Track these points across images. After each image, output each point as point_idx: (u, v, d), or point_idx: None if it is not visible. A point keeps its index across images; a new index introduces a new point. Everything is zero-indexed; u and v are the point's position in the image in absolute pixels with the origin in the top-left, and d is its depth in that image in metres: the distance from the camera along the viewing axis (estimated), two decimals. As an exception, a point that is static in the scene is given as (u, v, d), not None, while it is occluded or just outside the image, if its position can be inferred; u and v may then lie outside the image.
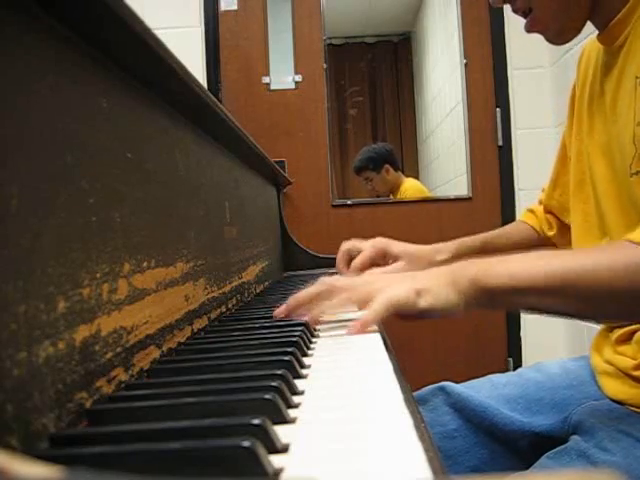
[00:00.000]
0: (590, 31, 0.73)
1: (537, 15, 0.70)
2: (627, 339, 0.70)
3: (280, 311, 0.68)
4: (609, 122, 0.69)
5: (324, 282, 0.67)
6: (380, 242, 0.88)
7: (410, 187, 2.50)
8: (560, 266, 0.57)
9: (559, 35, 0.72)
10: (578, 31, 0.71)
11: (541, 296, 0.58)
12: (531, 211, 0.98)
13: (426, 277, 0.62)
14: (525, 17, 0.72)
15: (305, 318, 0.65)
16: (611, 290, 0.54)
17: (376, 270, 0.87)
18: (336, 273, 0.94)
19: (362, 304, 0.62)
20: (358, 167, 2.55)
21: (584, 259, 0.57)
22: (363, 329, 0.60)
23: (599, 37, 0.71)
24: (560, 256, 0.62)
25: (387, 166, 2.52)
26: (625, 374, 0.69)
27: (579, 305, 0.58)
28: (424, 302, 0.58)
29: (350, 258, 0.88)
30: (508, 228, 1.03)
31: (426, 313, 0.59)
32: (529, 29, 0.72)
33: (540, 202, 0.98)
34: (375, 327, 0.63)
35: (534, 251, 0.63)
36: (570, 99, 0.84)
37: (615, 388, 0.71)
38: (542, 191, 0.98)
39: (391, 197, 2.51)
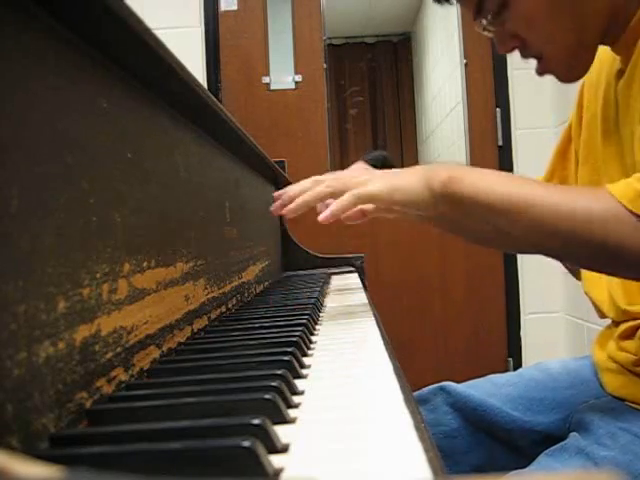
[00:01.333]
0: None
1: (548, 62, 0.70)
2: (631, 334, 0.70)
3: (277, 208, 0.72)
4: (621, 124, 0.70)
5: (314, 178, 0.71)
6: (360, 168, 0.82)
7: None
8: (524, 190, 0.59)
9: (568, 76, 0.71)
10: (588, 69, 0.71)
11: (496, 214, 0.60)
12: None
13: (403, 175, 0.66)
14: (537, 60, 0.72)
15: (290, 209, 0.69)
16: (568, 228, 0.56)
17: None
18: None
19: (339, 194, 0.66)
20: None
21: (554, 192, 0.60)
22: (331, 218, 0.65)
23: (613, 48, 0.71)
24: (532, 183, 0.63)
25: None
26: (627, 370, 0.69)
27: (528, 233, 0.60)
28: (398, 196, 0.63)
29: None
30: None
31: (398, 206, 0.64)
32: (540, 73, 0.72)
33: None
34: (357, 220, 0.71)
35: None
36: (578, 98, 0.83)
37: (616, 384, 0.71)
38: None
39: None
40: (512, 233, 0.62)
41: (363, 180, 0.66)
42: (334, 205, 0.65)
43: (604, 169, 0.75)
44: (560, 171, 0.89)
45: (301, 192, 0.69)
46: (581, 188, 0.72)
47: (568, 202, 0.57)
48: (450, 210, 0.63)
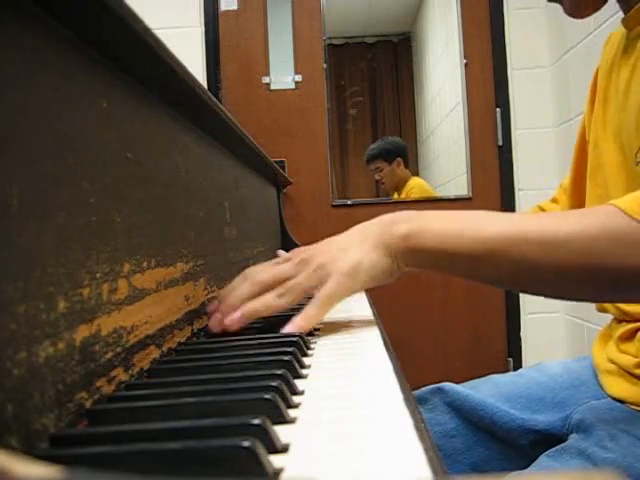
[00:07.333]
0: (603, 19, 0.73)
1: None
2: (630, 337, 0.70)
3: (215, 323, 0.59)
4: (620, 108, 0.69)
5: (249, 280, 0.59)
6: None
7: (416, 185, 2.52)
8: (499, 230, 0.51)
9: (575, 8, 0.71)
10: (596, 9, 0.70)
11: (471, 263, 0.53)
12: (540, 208, 0.95)
13: (353, 249, 0.56)
14: None
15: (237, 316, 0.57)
16: (554, 260, 0.49)
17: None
18: None
19: (296, 301, 0.57)
20: (372, 155, 2.61)
21: (532, 223, 0.52)
22: (299, 330, 0.55)
23: (623, 20, 0.70)
24: (508, 218, 0.55)
25: (399, 159, 2.57)
26: (627, 372, 0.69)
27: (513, 276, 0.53)
28: (360, 277, 0.55)
29: None
30: None
31: (365, 286, 0.56)
32: None
33: (554, 200, 0.95)
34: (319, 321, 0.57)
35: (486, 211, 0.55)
36: (592, 83, 0.82)
37: (616, 386, 0.71)
38: (560, 186, 0.95)
39: (395, 195, 2.53)
40: (493, 277, 0.55)
41: (315, 279, 0.56)
42: (302, 321, 0.55)
43: (604, 147, 0.73)
44: (583, 167, 0.87)
45: (241, 298, 0.58)
46: (565, 213, 0.64)
47: (558, 228, 0.49)
48: (417, 265, 0.57)
